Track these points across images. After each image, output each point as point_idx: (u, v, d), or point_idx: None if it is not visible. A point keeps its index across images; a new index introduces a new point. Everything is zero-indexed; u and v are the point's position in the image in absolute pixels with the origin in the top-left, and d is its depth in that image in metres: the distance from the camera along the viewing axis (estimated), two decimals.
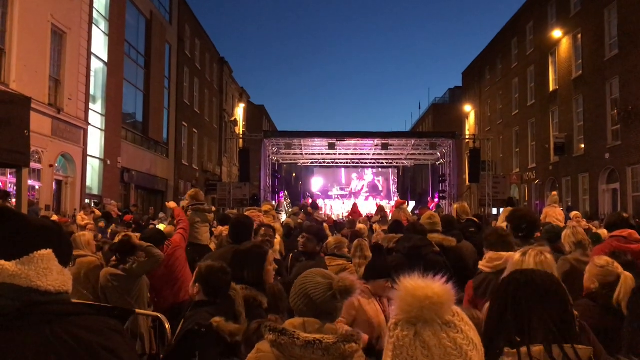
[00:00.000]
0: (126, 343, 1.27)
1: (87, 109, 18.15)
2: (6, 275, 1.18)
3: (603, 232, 6.36)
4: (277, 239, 6.64)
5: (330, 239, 5.48)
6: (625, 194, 19.20)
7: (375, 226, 9.68)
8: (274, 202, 23.99)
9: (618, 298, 2.99)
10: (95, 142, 19.53)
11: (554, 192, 9.79)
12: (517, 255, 2.60)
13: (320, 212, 17.81)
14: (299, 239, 5.39)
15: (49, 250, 1.24)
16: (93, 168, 19.50)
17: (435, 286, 1.19)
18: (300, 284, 2.16)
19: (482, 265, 3.70)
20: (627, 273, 3.15)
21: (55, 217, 11.96)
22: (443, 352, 1.14)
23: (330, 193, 31.26)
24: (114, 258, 4.86)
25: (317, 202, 19.63)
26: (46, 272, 1.21)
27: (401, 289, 1.20)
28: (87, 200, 17.70)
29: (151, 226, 9.52)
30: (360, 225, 9.08)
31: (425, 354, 1.13)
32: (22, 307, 1.18)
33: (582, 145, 22.58)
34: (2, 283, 1.19)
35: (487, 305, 2.28)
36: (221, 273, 3.16)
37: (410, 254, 4.55)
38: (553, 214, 8.44)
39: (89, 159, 18.54)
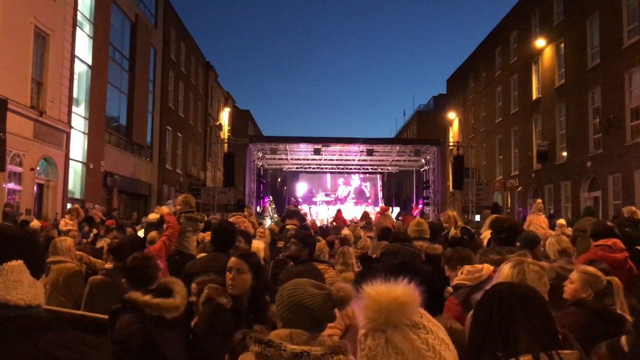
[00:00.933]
0: (101, 358, 1.20)
1: (70, 112, 17.92)
2: None
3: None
4: (262, 245, 6.62)
5: None
6: (607, 202, 19.45)
7: (361, 232, 9.66)
8: (258, 208, 23.90)
9: (618, 302, 3.04)
10: (78, 145, 19.27)
11: (539, 200, 9.83)
12: (505, 268, 2.60)
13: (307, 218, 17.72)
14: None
15: (20, 262, 1.18)
16: (75, 172, 19.23)
17: (399, 289, 1.16)
18: (289, 295, 2.07)
19: (461, 279, 3.61)
20: (613, 277, 3.18)
21: (36, 222, 11.73)
22: (417, 354, 1.10)
23: (314, 199, 31.12)
24: (110, 264, 4.66)
25: (297, 208, 19.39)
26: (16, 284, 1.15)
27: (365, 297, 1.17)
28: (69, 205, 17.43)
29: (129, 230, 9.36)
30: (345, 232, 9.05)
31: (399, 359, 1.10)
32: None
33: (564, 154, 22.86)
34: None
35: (468, 317, 2.25)
36: (143, 260, 3.30)
37: (398, 270, 4.51)
38: (537, 221, 8.50)
39: (71, 162, 18.29)
